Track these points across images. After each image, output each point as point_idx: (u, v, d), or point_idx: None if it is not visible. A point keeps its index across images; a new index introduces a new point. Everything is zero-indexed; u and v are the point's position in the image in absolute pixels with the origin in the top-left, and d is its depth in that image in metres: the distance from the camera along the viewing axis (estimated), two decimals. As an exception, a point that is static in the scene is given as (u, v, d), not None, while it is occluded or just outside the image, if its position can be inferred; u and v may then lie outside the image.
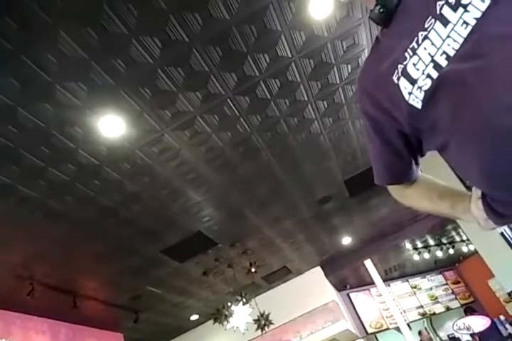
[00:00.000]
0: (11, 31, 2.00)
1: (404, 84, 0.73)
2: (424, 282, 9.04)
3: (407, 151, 0.90)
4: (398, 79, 0.74)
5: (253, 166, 3.70)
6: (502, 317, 6.81)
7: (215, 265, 5.26)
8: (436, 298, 8.81)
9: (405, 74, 0.73)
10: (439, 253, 8.17)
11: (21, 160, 2.72)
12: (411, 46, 0.72)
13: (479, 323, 7.15)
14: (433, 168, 4.31)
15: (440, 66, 0.67)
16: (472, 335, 7.13)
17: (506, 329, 6.65)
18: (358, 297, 8.35)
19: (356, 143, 3.90)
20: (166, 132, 2.94)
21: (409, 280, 8.96)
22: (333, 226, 5.68)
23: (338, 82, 3.03)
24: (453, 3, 0.64)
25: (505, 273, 3.85)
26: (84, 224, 3.53)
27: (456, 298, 8.88)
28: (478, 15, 0.62)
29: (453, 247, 8.15)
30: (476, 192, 0.77)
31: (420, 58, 0.70)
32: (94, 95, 2.47)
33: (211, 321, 5.37)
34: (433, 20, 0.68)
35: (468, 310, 8.29)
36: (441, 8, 0.66)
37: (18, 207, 3.09)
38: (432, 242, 8.01)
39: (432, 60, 0.68)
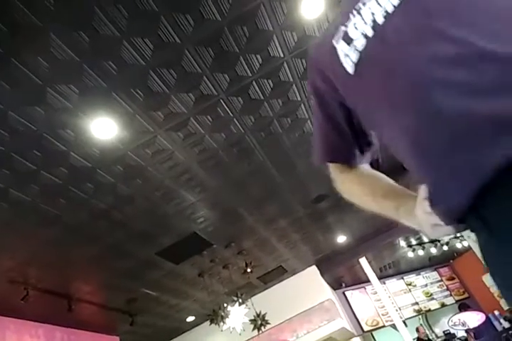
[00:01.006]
0: (2, 35, 1.98)
1: (342, 47, 0.69)
2: (419, 279, 9.09)
3: (349, 131, 0.82)
4: (337, 42, 0.71)
5: (247, 166, 3.70)
6: (496, 313, 6.87)
7: (210, 266, 5.25)
8: (432, 294, 8.86)
9: (345, 35, 0.69)
10: (434, 250, 8.23)
11: (13, 164, 2.70)
12: (356, 6, 0.68)
13: (474, 319, 7.22)
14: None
15: (377, 24, 0.62)
16: (467, 331, 7.19)
17: (501, 324, 6.72)
18: (353, 295, 8.38)
19: (349, 142, 3.91)
20: (159, 133, 2.93)
21: (404, 277, 9.01)
22: (327, 224, 5.69)
23: (331, 81, 3.03)
24: None
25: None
26: (77, 227, 3.51)
27: (451, 295, 8.94)
28: None
29: (447, 244, 8.20)
30: (424, 191, 0.64)
31: (362, 18, 0.66)
32: (86, 98, 2.46)
33: (207, 322, 5.36)
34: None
35: (463, 306, 8.35)
36: None
37: (10, 211, 3.06)
38: (426, 239, 8.06)
39: (373, 20, 0.63)
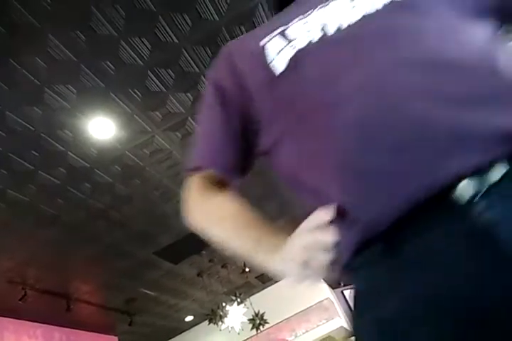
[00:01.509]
0: (-1, 35, 1.98)
1: (275, 44, 0.65)
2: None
3: (243, 143, 0.74)
4: (269, 40, 0.67)
5: (245, 166, 3.69)
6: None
7: (209, 266, 5.25)
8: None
9: (283, 33, 0.66)
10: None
11: (11, 164, 2.70)
12: (306, 11, 0.67)
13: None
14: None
15: (325, 32, 0.61)
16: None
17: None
18: (351, 294, 8.39)
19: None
20: (156, 133, 2.93)
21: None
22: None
23: (328, 80, 3.04)
24: None
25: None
26: (76, 227, 3.50)
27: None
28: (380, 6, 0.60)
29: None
30: (314, 219, 0.54)
31: (308, 22, 0.64)
32: (84, 97, 2.46)
33: (206, 322, 5.37)
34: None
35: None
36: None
37: (8, 212, 3.05)
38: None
39: (323, 25, 0.62)
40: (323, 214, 0.52)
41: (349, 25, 0.59)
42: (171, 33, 2.26)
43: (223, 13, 2.27)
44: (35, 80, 2.26)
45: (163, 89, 2.60)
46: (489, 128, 0.41)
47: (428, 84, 0.48)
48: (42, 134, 2.59)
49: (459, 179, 0.41)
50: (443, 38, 0.53)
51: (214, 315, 5.23)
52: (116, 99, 2.54)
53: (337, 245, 0.52)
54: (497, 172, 0.41)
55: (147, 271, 4.73)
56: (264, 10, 2.33)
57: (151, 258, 4.45)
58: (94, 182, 3.13)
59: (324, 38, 0.60)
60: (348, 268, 0.56)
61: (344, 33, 0.59)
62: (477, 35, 0.55)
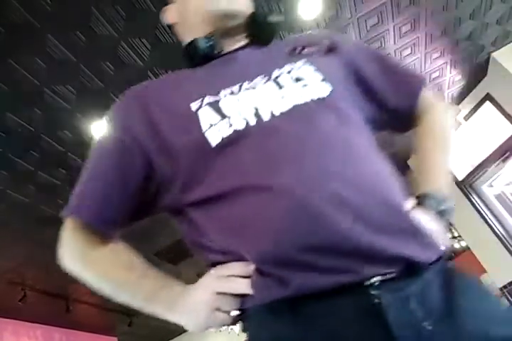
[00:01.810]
0: (-2, 35, 1.98)
1: (207, 114, 0.66)
2: (417, 279, 9.10)
3: (135, 197, 0.71)
4: (199, 108, 0.68)
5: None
6: (494, 313, 6.87)
7: (208, 266, 5.25)
8: (430, 294, 8.87)
9: (215, 106, 0.67)
10: (432, 251, 8.23)
11: (10, 165, 2.69)
12: (231, 88, 0.70)
13: (472, 319, 7.21)
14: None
15: (260, 117, 0.65)
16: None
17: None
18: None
19: (347, 142, 3.91)
20: (156, 134, 2.92)
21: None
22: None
23: (328, 81, 3.04)
24: (294, 77, 0.69)
25: (496, 269, 3.89)
26: (75, 228, 3.50)
27: (449, 295, 8.95)
28: (314, 96, 0.67)
29: (445, 244, 8.21)
30: (232, 269, 0.61)
31: (240, 100, 0.67)
32: (84, 98, 2.45)
33: (206, 323, 5.38)
34: (266, 79, 0.70)
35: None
36: (279, 76, 0.70)
37: (8, 212, 3.05)
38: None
39: (255, 109, 0.66)
40: (242, 267, 0.59)
41: (282, 113, 0.64)
42: (170, 33, 2.26)
43: (223, 14, 2.27)
44: (35, 80, 2.26)
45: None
46: (391, 253, 0.54)
47: (350, 198, 0.57)
48: (41, 135, 2.59)
49: (369, 278, 0.53)
50: (356, 150, 0.64)
51: (214, 316, 5.24)
52: (116, 99, 2.53)
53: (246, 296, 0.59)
54: (399, 277, 0.54)
55: (147, 272, 4.72)
56: (264, 11, 2.33)
57: (150, 258, 4.42)
58: (94, 182, 3.13)
59: (261, 124, 0.64)
60: (249, 318, 0.60)
61: (278, 121, 0.64)
62: (372, 147, 0.69)
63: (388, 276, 0.54)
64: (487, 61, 3.42)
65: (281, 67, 0.72)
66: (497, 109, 3.46)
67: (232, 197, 0.61)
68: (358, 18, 2.57)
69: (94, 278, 0.71)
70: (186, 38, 0.84)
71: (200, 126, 0.65)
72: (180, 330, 7.07)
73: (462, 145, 3.87)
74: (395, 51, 2.96)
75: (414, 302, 0.52)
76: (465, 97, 3.77)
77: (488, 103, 3.54)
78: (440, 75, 3.40)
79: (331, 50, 0.78)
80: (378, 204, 0.58)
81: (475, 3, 2.80)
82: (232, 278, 0.60)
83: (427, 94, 0.84)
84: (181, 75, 0.82)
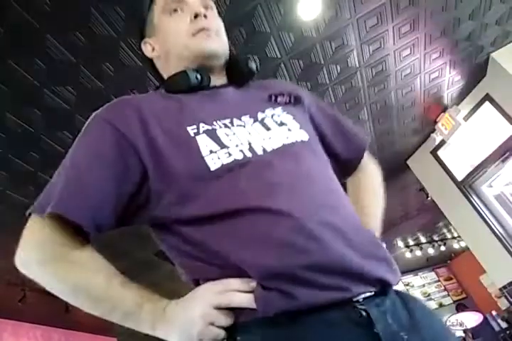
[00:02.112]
0: (-3, 36, 1.98)
1: (206, 141, 0.71)
2: (416, 279, 9.09)
3: (126, 201, 0.71)
4: (196, 134, 0.73)
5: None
6: (494, 313, 6.88)
7: (208, 267, 5.24)
8: (429, 294, 8.86)
9: (212, 135, 0.73)
10: (431, 251, 8.23)
11: (10, 166, 2.69)
12: (223, 121, 0.77)
13: (472, 319, 7.23)
14: (426, 166, 4.34)
15: (254, 151, 0.73)
16: (465, 331, 7.19)
17: (498, 324, 6.73)
18: None
19: (347, 142, 3.91)
20: (156, 135, 2.92)
21: (402, 278, 8.92)
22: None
23: (328, 82, 3.04)
24: (278, 122, 0.80)
25: (496, 269, 3.89)
26: (75, 228, 3.50)
27: (448, 295, 8.94)
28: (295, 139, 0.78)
29: (444, 244, 8.21)
30: (232, 284, 0.63)
31: (235, 134, 0.75)
32: (84, 99, 2.45)
33: (206, 323, 5.37)
34: (252, 119, 0.80)
35: (460, 306, 8.36)
36: (265, 118, 0.81)
37: (8, 213, 3.05)
38: (423, 239, 8.07)
39: (249, 143, 0.73)
40: (244, 282, 0.62)
41: (273, 149, 0.74)
42: (170, 34, 2.26)
43: (223, 15, 2.26)
44: (35, 81, 2.26)
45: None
46: (374, 275, 0.65)
47: (338, 225, 0.67)
48: (41, 135, 2.59)
49: (357, 295, 0.62)
50: (333, 185, 0.77)
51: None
52: (116, 100, 2.54)
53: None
54: (375, 295, 0.64)
55: (147, 273, 4.72)
56: (263, 11, 2.33)
57: (150, 258, 4.44)
58: (94, 183, 3.13)
59: (256, 157, 0.72)
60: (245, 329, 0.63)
61: (271, 156, 0.72)
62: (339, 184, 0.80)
63: (369, 294, 0.64)
64: (486, 61, 3.43)
65: (263, 110, 0.82)
66: (496, 109, 3.46)
67: (233, 216, 0.66)
68: (357, 19, 2.58)
69: (66, 285, 0.68)
70: (168, 72, 0.91)
71: (199, 151, 0.70)
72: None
73: (462, 146, 3.87)
74: (394, 52, 2.96)
75: (390, 316, 0.63)
76: (464, 98, 3.77)
77: (487, 103, 3.55)
78: (439, 76, 3.41)
79: (297, 102, 0.90)
80: (360, 234, 0.70)
81: (474, 3, 2.80)
82: (233, 293, 0.62)
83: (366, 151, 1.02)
84: (166, 99, 0.84)
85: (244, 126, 0.77)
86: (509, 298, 3.95)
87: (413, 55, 3.06)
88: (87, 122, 0.80)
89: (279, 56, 2.67)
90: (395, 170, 4.60)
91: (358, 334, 0.60)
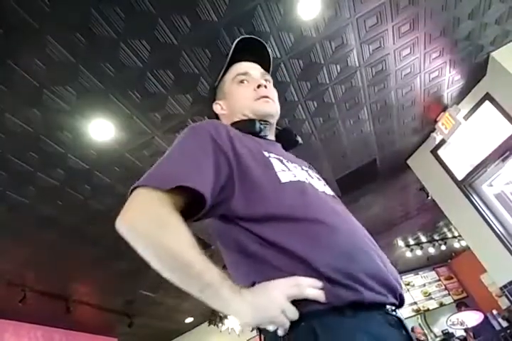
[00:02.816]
0: (-3, 36, 1.98)
1: (277, 163, 0.94)
2: (417, 279, 9.09)
3: (219, 189, 0.84)
4: (269, 157, 0.95)
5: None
6: (494, 312, 6.87)
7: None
8: (430, 294, 8.87)
9: (281, 161, 0.96)
10: (432, 250, 8.23)
11: (10, 166, 2.69)
12: (285, 159, 1.00)
13: (472, 318, 7.22)
14: (426, 166, 4.34)
15: (310, 182, 0.96)
16: (466, 330, 7.19)
17: (499, 323, 6.72)
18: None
19: (346, 142, 3.91)
20: (156, 135, 2.93)
21: (403, 277, 9.00)
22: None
23: (328, 81, 3.04)
24: (318, 177, 1.10)
25: (497, 268, 3.89)
26: (75, 229, 3.50)
27: (449, 294, 8.95)
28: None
29: (445, 243, 8.21)
30: (307, 282, 0.75)
31: (296, 168, 1.00)
32: (83, 99, 2.45)
33: (206, 323, 5.36)
34: (300, 168, 1.03)
35: (460, 305, 8.36)
36: (308, 171, 1.07)
37: (7, 214, 3.05)
38: (424, 239, 8.07)
39: (306, 179, 0.97)
40: (314, 281, 0.74)
41: (318, 190, 0.95)
42: (170, 34, 2.26)
43: (222, 15, 2.27)
44: (34, 82, 2.26)
45: (163, 90, 2.59)
46: (398, 291, 0.83)
47: (372, 246, 0.86)
48: (41, 136, 2.59)
49: (390, 303, 0.80)
50: (359, 226, 0.94)
51: (214, 317, 5.23)
52: (116, 100, 2.54)
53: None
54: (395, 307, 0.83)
55: (147, 273, 4.72)
56: (263, 11, 2.33)
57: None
58: (94, 183, 3.13)
59: (313, 186, 0.95)
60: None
61: (318, 192, 0.95)
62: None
63: (394, 306, 0.81)
64: (486, 61, 3.43)
65: (306, 168, 1.08)
66: (496, 108, 3.46)
67: (300, 221, 0.82)
68: (357, 19, 2.57)
69: (168, 248, 0.75)
70: (232, 121, 1.14)
71: (273, 167, 0.92)
72: (180, 331, 7.07)
73: (462, 145, 3.87)
74: (394, 51, 2.96)
75: (406, 326, 0.81)
76: (464, 97, 3.77)
77: (487, 102, 3.55)
78: (439, 75, 3.41)
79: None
80: (387, 261, 0.87)
81: (474, 3, 2.80)
82: (305, 287, 0.73)
83: None
84: (239, 133, 1.02)
85: (296, 168, 1.00)
86: (510, 297, 3.94)
87: (413, 54, 3.06)
88: (184, 131, 0.96)
89: (278, 56, 2.67)
90: (395, 170, 4.61)
91: (400, 334, 0.77)
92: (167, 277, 0.77)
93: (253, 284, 0.77)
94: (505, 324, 6.32)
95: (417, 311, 8.56)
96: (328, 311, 0.72)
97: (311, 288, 0.73)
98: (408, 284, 8.95)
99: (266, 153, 0.96)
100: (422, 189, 4.85)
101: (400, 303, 0.83)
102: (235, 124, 1.10)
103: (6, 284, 3.77)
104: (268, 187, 0.86)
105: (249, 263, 0.82)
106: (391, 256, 8.09)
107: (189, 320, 6.72)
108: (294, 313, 0.72)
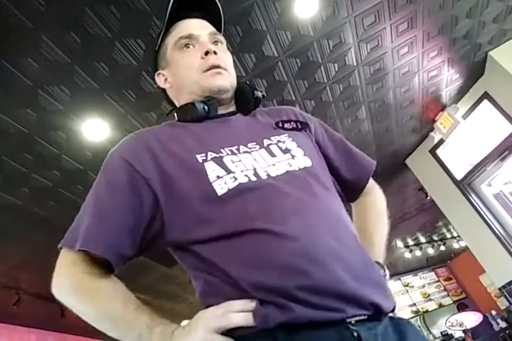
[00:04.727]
0: (-10, 35, 1.95)
1: (213, 167, 0.77)
2: (416, 280, 9.08)
3: (142, 231, 0.78)
4: (205, 161, 0.79)
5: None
6: (493, 312, 6.86)
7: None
8: (429, 295, 8.85)
9: (219, 162, 0.79)
10: (431, 251, 8.23)
11: (4, 167, 2.66)
12: (230, 148, 0.82)
13: (471, 319, 7.20)
14: (425, 165, 4.32)
15: (259, 176, 0.77)
16: (465, 331, 7.18)
17: (498, 323, 6.71)
18: None
19: (345, 142, 3.89)
20: (152, 135, 2.90)
21: (402, 278, 8.99)
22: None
23: (325, 80, 3.01)
24: (283, 148, 0.85)
25: (496, 269, 3.88)
26: (71, 230, 3.46)
27: (448, 295, 8.93)
28: (301, 165, 0.83)
29: (444, 244, 8.21)
30: (234, 306, 0.67)
31: (241, 160, 0.80)
32: (78, 99, 2.43)
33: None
34: (258, 146, 0.85)
35: (461, 306, 8.34)
36: (270, 144, 0.86)
37: (1, 215, 3.02)
38: (423, 240, 8.06)
39: (254, 169, 0.78)
40: (244, 303, 0.66)
41: (277, 175, 0.78)
42: (165, 33, 2.23)
43: (218, 13, 2.24)
44: (28, 81, 2.23)
45: (158, 89, 2.56)
46: (368, 299, 0.68)
47: (340, 252, 0.71)
48: (35, 136, 2.56)
49: (350, 317, 0.66)
50: (337, 212, 0.80)
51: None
52: (111, 100, 2.51)
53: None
54: (368, 320, 0.68)
55: (141, 275, 4.68)
56: (260, 10, 2.30)
57: (145, 261, 4.41)
58: (88, 184, 3.07)
59: (261, 181, 0.76)
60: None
61: (275, 181, 0.77)
62: (343, 208, 0.84)
63: (362, 317, 0.67)
64: (484, 59, 3.41)
65: (269, 137, 0.88)
66: (495, 107, 3.45)
67: (240, 237, 0.70)
68: (354, 17, 2.55)
69: (90, 310, 0.74)
70: (180, 101, 0.99)
71: (207, 177, 0.76)
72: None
73: (460, 145, 3.86)
74: (392, 50, 2.94)
75: (381, 339, 0.66)
76: (463, 96, 3.76)
77: (486, 101, 3.53)
78: (438, 74, 3.39)
79: (303, 128, 0.96)
80: (359, 259, 0.73)
81: (472, 1, 2.79)
82: (233, 314, 0.66)
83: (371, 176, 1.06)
84: (177, 129, 0.91)
85: (250, 153, 0.83)
86: (509, 298, 3.93)
87: (411, 53, 3.04)
88: (105, 160, 0.87)
89: (276, 54, 2.65)
90: (394, 170, 4.59)
91: None
92: (109, 334, 0.73)
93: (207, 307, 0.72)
94: (504, 325, 6.30)
95: (416, 312, 8.54)
96: (258, 334, 0.64)
97: (238, 313, 0.66)
98: (407, 285, 8.93)
99: (200, 157, 0.79)
100: (421, 189, 4.84)
101: (378, 311, 0.69)
102: (178, 111, 0.97)
103: (1, 287, 3.74)
104: (202, 205, 0.74)
105: (201, 286, 0.75)
106: (390, 257, 8.08)
107: (185, 322, 6.67)
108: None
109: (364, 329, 0.65)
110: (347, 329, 0.64)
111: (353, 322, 0.65)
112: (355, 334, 0.64)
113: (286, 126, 0.94)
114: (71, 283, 0.76)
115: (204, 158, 0.79)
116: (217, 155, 0.80)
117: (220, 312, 0.67)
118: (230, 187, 0.74)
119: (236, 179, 0.75)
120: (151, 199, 0.77)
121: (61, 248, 0.80)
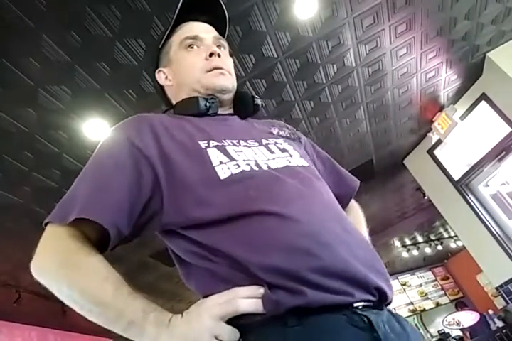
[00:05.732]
0: (-9, 35, 1.96)
1: (216, 154, 0.78)
2: (413, 279, 9.10)
3: (141, 208, 0.74)
4: (207, 147, 0.79)
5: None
6: (490, 312, 6.89)
7: (205, 267, 5.23)
8: (426, 294, 8.88)
9: (222, 150, 0.79)
10: (428, 250, 8.25)
11: (5, 166, 2.67)
12: (231, 140, 0.84)
13: (468, 318, 7.23)
14: (422, 166, 4.34)
15: (260, 167, 0.78)
16: (462, 330, 7.21)
17: (495, 323, 6.74)
18: None
19: (343, 141, 3.91)
20: (152, 135, 2.91)
21: (399, 277, 9.02)
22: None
23: (324, 81, 3.03)
24: (280, 148, 0.88)
25: (492, 268, 3.90)
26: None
27: (445, 294, 8.96)
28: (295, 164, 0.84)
29: (441, 244, 8.23)
30: (243, 292, 0.64)
31: (242, 151, 0.81)
32: (79, 98, 2.44)
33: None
34: (257, 143, 0.87)
35: (459, 304, 8.38)
36: (268, 143, 0.89)
37: (2, 214, 3.03)
38: (420, 239, 8.08)
39: (255, 160, 0.79)
40: (252, 289, 0.63)
41: (277, 168, 0.79)
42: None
43: (219, 14, 2.26)
44: (29, 81, 2.24)
45: (156, 87, 2.57)
46: (376, 286, 0.68)
47: (344, 237, 0.72)
48: (36, 135, 2.57)
49: (359, 301, 0.66)
50: (335, 203, 0.82)
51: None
52: (111, 99, 2.52)
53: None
54: (373, 307, 0.68)
55: (142, 274, 4.70)
56: (260, 11, 2.32)
57: (146, 260, 4.42)
58: (89, 183, 3.11)
59: (263, 171, 0.77)
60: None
61: (276, 172, 0.77)
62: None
63: (368, 303, 0.67)
64: (482, 61, 3.43)
65: (266, 138, 0.91)
66: (492, 108, 3.47)
67: (246, 219, 0.69)
68: (353, 18, 2.57)
69: (76, 289, 0.67)
70: (178, 99, 0.99)
71: (210, 161, 0.76)
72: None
73: (458, 145, 3.88)
74: (390, 51, 2.96)
75: (387, 325, 0.65)
76: (461, 97, 3.78)
77: (483, 102, 3.55)
78: (436, 75, 3.41)
79: (296, 138, 1.00)
80: (363, 247, 0.74)
81: (470, 3, 2.81)
82: (240, 300, 0.62)
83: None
84: (177, 119, 0.91)
85: (249, 147, 0.84)
86: (505, 297, 3.95)
87: (409, 54, 3.06)
88: (105, 138, 0.85)
89: (275, 55, 2.66)
90: (392, 170, 4.61)
91: (362, 337, 0.61)
92: (90, 319, 0.67)
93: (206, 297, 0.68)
94: (501, 324, 6.33)
95: (414, 311, 8.57)
96: (266, 322, 0.61)
97: (246, 299, 0.62)
98: (404, 284, 8.96)
99: (202, 144, 0.79)
100: (419, 189, 4.86)
101: (382, 298, 0.69)
102: (178, 104, 0.98)
103: (1, 285, 3.75)
104: (203, 188, 0.72)
105: (202, 276, 0.72)
106: (387, 256, 8.11)
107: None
108: (230, 335, 0.61)
109: (372, 313, 0.65)
110: (357, 314, 0.63)
111: (360, 307, 0.64)
112: (365, 319, 0.63)
113: (281, 133, 0.98)
114: (57, 257, 0.70)
115: (206, 144, 0.80)
116: (219, 144, 0.81)
117: (225, 298, 0.63)
118: (234, 173, 0.74)
119: (239, 166, 0.76)
120: (151, 178, 0.75)
121: (46, 224, 0.75)
